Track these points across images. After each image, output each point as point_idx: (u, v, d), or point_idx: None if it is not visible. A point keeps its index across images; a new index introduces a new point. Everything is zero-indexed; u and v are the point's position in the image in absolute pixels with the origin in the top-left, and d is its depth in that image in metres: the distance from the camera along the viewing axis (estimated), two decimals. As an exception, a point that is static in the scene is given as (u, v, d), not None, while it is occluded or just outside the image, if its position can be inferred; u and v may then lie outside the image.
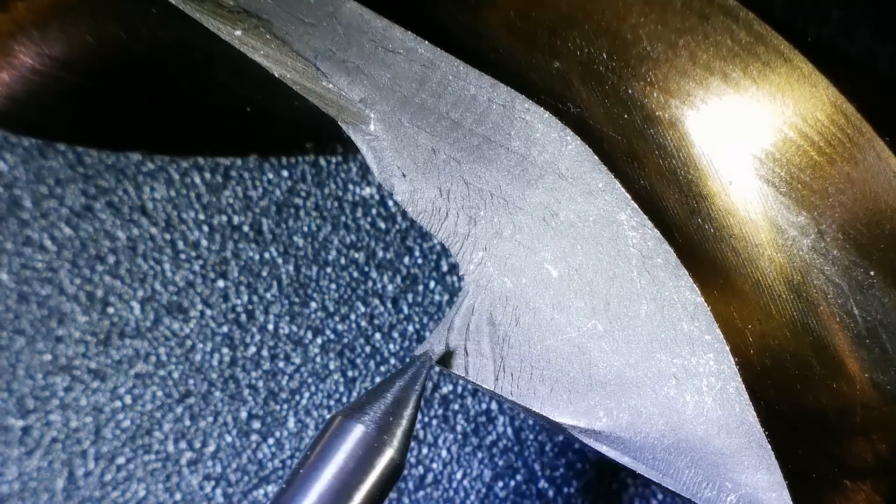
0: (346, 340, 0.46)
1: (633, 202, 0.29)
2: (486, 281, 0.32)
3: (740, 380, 0.28)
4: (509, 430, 0.47)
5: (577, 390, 0.31)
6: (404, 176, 0.32)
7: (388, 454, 0.30)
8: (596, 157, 0.29)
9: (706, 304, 0.28)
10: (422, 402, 0.31)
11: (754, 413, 0.28)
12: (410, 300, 0.47)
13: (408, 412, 0.30)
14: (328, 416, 0.31)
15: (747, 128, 0.29)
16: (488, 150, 0.31)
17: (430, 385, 0.47)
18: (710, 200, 0.30)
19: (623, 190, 0.29)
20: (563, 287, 0.30)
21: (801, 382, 0.30)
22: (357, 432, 0.30)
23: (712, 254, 0.30)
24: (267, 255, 0.46)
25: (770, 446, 0.28)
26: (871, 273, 0.29)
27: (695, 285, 0.29)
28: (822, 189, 0.29)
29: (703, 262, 0.30)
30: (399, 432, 0.30)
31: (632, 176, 0.30)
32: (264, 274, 0.46)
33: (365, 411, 0.30)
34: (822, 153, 0.29)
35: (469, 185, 0.31)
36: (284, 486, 0.30)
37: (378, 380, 0.47)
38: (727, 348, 0.28)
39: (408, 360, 0.31)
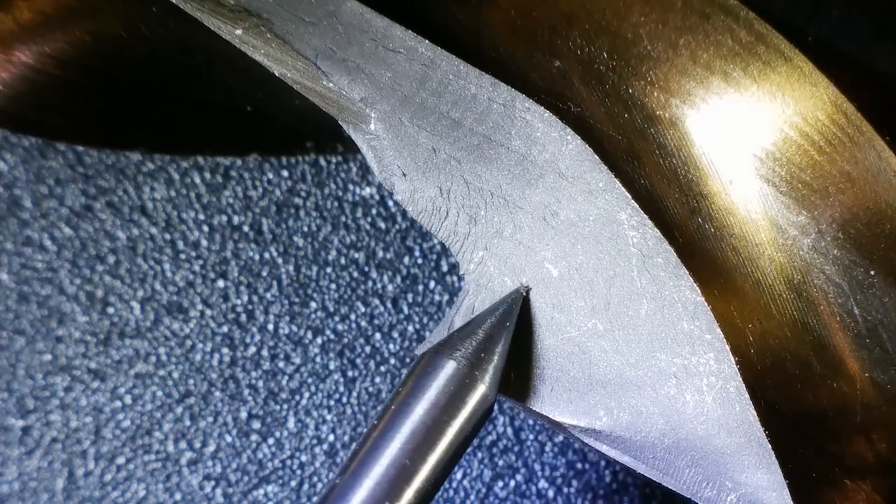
0: (346, 340, 0.46)
1: (633, 201, 0.29)
2: (486, 280, 0.32)
3: (740, 379, 0.28)
4: (509, 430, 0.47)
5: (577, 389, 0.31)
6: (404, 175, 0.32)
7: (481, 390, 0.29)
8: (596, 156, 0.29)
9: (706, 304, 0.28)
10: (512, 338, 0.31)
11: (754, 412, 0.28)
12: (410, 300, 0.47)
13: (499, 348, 0.30)
14: (418, 354, 0.31)
15: (748, 127, 0.29)
16: (489, 150, 0.31)
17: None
18: (711, 200, 0.30)
19: (623, 189, 0.29)
20: (563, 286, 0.30)
21: (801, 382, 0.30)
22: (449, 368, 0.29)
23: (713, 253, 0.30)
24: (267, 255, 0.46)
25: (770, 446, 0.28)
26: (872, 272, 0.29)
27: (695, 285, 0.29)
28: (823, 188, 0.29)
29: (704, 262, 0.30)
30: (491, 368, 0.30)
31: (632, 175, 0.30)
32: (264, 274, 0.46)
33: (456, 347, 0.30)
34: (822, 152, 0.29)
35: (469, 185, 0.31)
36: (376, 422, 0.30)
37: (378, 380, 0.47)
38: (727, 348, 0.28)
39: (508, 299, 0.31)
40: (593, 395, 0.30)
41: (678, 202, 0.30)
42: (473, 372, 0.29)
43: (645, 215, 0.29)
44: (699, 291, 0.29)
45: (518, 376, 0.31)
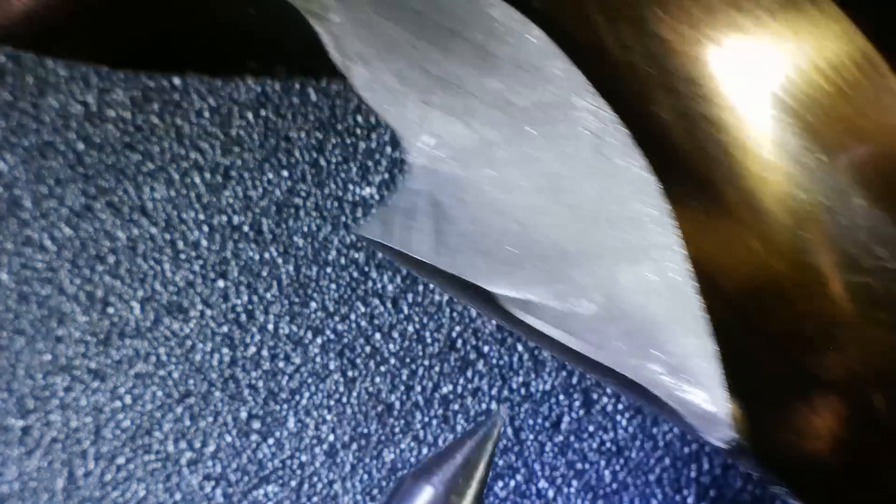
0: (346, 340, 0.46)
1: (591, 87, 0.29)
2: (432, 164, 0.32)
3: (683, 253, 0.28)
4: (509, 430, 0.47)
5: (515, 263, 0.30)
6: (364, 62, 0.32)
7: None
8: (559, 49, 0.29)
9: (656, 181, 0.28)
10: (493, 463, 0.31)
11: (694, 285, 0.28)
12: (410, 300, 0.47)
13: (478, 473, 0.30)
14: (397, 477, 0.31)
15: (767, 63, 0.29)
16: (449, 41, 0.30)
17: (430, 385, 0.47)
18: (719, 125, 0.30)
19: (583, 76, 0.29)
20: (509, 167, 0.30)
21: (784, 301, 0.30)
22: (427, 494, 0.30)
23: (708, 173, 0.30)
24: (267, 255, 0.46)
25: (707, 317, 0.28)
26: (887, 219, 0.29)
27: (646, 163, 0.28)
28: (836, 126, 0.29)
29: (715, 194, 0.30)
30: (469, 493, 0.30)
31: (641, 110, 0.30)
32: (264, 274, 0.46)
33: (434, 472, 0.30)
34: (839, 91, 0.29)
35: (427, 73, 0.31)
36: None
37: (378, 380, 0.47)
38: (672, 222, 0.28)
39: (477, 421, 0.31)
40: (531, 269, 0.30)
41: (697, 140, 0.30)
42: (451, 497, 0.30)
43: (602, 100, 0.29)
44: (650, 170, 0.28)
45: (457, 251, 0.31)
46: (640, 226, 0.29)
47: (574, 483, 0.48)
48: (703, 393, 0.29)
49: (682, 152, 0.29)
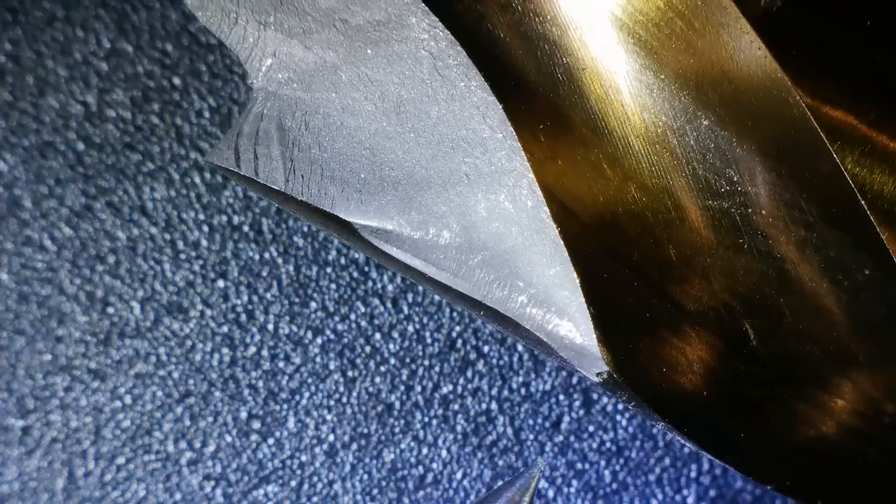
0: (346, 340, 0.46)
1: (423, 5, 0.29)
2: (275, 87, 0.31)
3: (533, 177, 0.28)
4: (509, 431, 0.47)
5: (368, 191, 0.30)
6: None
7: None
8: None
9: (498, 103, 0.28)
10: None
11: (547, 210, 0.28)
12: (410, 300, 0.47)
13: None
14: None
15: None
16: None
17: (430, 385, 0.47)
18: (558, 45, 0.29)
19: None
20: (352, 91, 0.30)
21: (643, 228, 0.29)
22: None
23: (551, 94, 0.29)
24: (267, 255, 0.46)
25: (563, 243, 0.28)
26: (733, 140, 0.29)
27: (486, 84, 0.28)
28: (674, 44, 0.28)
29: (560, 118, 0.29)
30: None
31: (473, 21, 0.30)
32: (264, 274, 0.46)
33: None
34: (676, 10, 0.28)
35: None
36: None
37: (378, 380, 0.47)
38: (519, 145, 0.28)
39: (515, 472, 0.31)
40: (384, 196, 0.30)
41: (538, 62, 0.29)
42: None
43: (436, 18, 0.29)
44: (490, 91, 0.28)
45: (308, 179, 0.31)
46: (488, 150, 0.29)
47: (574, 483, 0.48)
48: (570, 324, 0.29)
49: (524, 74, 0.29)
